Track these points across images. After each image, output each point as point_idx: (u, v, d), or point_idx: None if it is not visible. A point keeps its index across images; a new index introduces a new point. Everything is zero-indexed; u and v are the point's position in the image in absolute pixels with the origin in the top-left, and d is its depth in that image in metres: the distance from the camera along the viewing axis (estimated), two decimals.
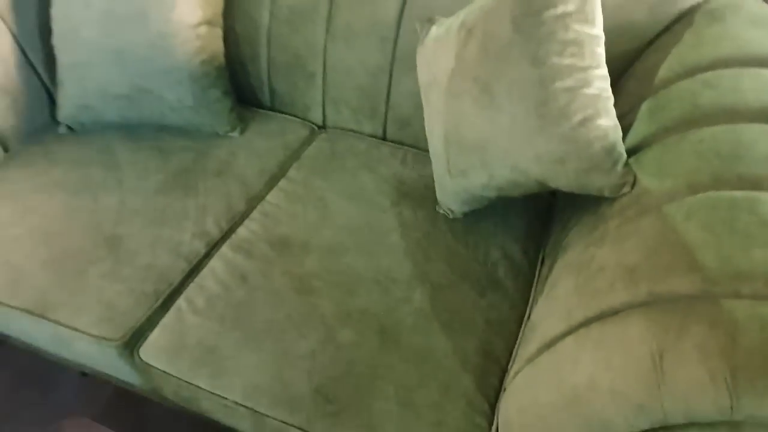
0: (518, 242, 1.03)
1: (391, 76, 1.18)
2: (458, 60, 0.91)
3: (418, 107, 1.18)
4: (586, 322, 0.66)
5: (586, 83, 0.80)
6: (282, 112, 1.31)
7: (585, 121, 0.79)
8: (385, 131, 1.25)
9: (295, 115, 1.30)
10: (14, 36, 1.16)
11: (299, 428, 0.78)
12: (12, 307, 0.90)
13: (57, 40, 1.13)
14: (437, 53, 0.96)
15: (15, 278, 0.93)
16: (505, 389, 0.80)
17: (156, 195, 1.07)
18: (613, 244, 0.72)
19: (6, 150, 1.17)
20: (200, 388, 0.83)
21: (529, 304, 0.93)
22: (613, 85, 0.85)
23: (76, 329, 0.87)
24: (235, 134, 1.22)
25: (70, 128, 1.22)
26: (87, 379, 1.27)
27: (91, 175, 1.11)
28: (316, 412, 0.78)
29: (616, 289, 0.65)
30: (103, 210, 1.04)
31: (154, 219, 1.02)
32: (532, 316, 0.86)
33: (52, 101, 1.23)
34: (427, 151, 1.20)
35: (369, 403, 0.79)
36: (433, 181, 1.10)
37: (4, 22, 1.14)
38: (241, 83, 1.30)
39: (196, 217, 1.04)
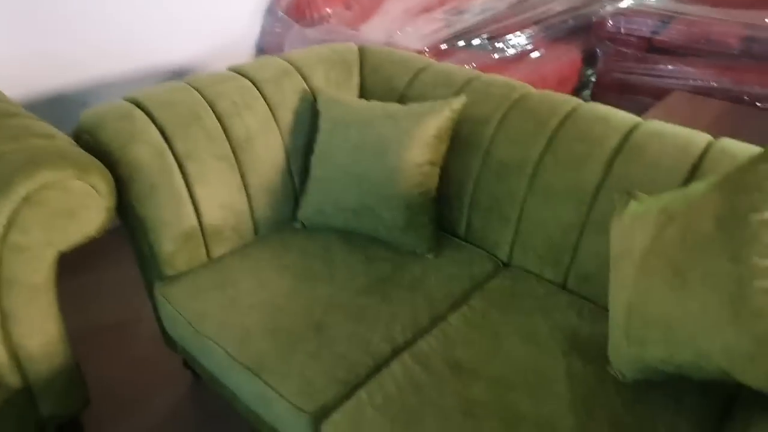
0: (691, 425, 1.01)
1: (580, 234, 1.28)
2: (655, 241, 0.99)
3: (601, 266, 1.25)
4: None
5: None
6: (472, 244, 1.48)
7: None
8: (565, 281, 1.33)
9: (483, 249, 1.46)
10: (286, 150, 1.51)
11: None
12: (237, 361, 1.13)
13: (315, 159, 1.46)
14: (633, 229, 1.05)
15: (244, 338, 1.17)
16: None
17: (358, 295, 1.27)
18: None
19: (257, 233, 1.49)
20: None
21: None
22: None
23: (280, 394, 1.06)
24: (430, 256, 1.41)
25: (303, 225, 1.51)
26: None
27: (312, 267, 1.36)
28: None
29: None
30: (317, 298, 1.26)
31: (354, 315, 1.22)
32: None
33: (296, 203, 1.55)
34: (605, 307, 1.25)
35: None
36: (608, 340, 1.14)
37: (283, 138, 1.51)
38: (443, 213, 1.50)
39: (387, 322, 1.20)
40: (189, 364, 1.55)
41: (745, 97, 2.61)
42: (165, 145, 1.31)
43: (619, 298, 1.05)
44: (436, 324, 1.23)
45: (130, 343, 1.76)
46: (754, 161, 0.89)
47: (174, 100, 1.37)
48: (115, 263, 2.08)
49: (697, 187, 0.99)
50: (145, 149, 1.28)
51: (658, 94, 2.71)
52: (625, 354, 1.04)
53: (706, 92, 2.66)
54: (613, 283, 1.09)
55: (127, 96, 1.37)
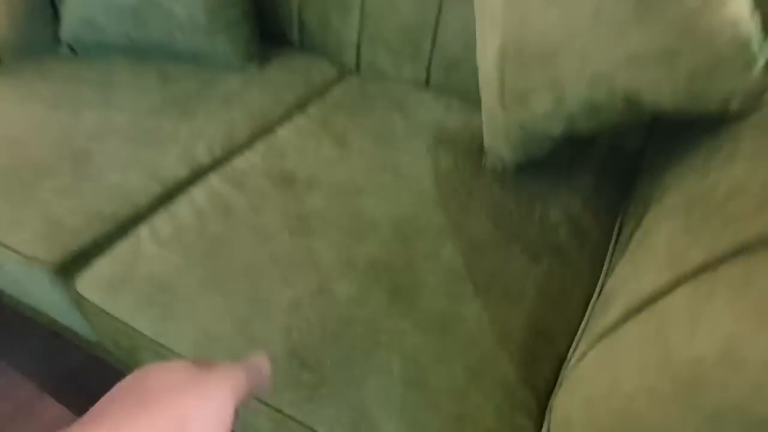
0: (587, 204, 0.78)
1: (440, 9, 0.98)
2: None
3: (470, 47, 0.96)
4: (711, 264, 0.41)
5: None
6: (311, 51, 1.13)
7: (705, 5, 0.56)
8: (428, 76, 1.04)
9: (325, 55, 1.11)
10: None
11: (258, 401, 0.55)
12: None
13: None
14: None
15: None
16: (563, 380, 0.55)
17: (146, 116, 0.89)
18: (753, 161, 0.47)
19: None
20: (141, 333, 0.61)
21: (601, 277, 0.67)
22: None
23: (6, 246, 0.69)
24: (252, 67, 1.05)
25: (72, 49, 1.07)
26: (56, 342, 1.08)
27: (79, 92, 0.95)
28: (288, 380, 0.55)
29: (766, 213, 0.40)
30: (80, 125, 0.87)
31: (136, 139, 0.84)
32: (606, 287, 0.60)
33: (58, 21, 1.09)
34: (478, 100, 0.97)
35: (363, 376, 0.55)
36: (482, 133, 0.87)
37: None
38: (267, 16, 1.13)
39: (186, 142, 0.85)
40: None
41: None
42: None
43: (488, 47, 0.76)
44: (258, 138, 0.89)
45: None
46: None
47: None
48: None
49: None
50: None
51: None
52: (503, 126, 0.77)
53: None
54: (479, 34, 0.80)
55: None
